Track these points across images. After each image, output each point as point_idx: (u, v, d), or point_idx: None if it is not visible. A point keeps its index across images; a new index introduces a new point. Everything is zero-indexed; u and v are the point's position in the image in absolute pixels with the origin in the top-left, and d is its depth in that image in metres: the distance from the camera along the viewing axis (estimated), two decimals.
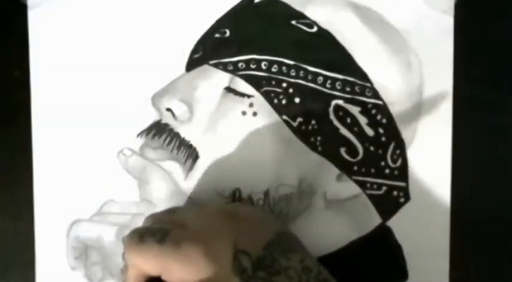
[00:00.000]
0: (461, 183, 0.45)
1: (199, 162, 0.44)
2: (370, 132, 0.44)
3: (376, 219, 0.45)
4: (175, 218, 0.37)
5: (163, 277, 0.34)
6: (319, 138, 0.44)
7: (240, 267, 0.34)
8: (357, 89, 0.44)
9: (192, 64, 0.45)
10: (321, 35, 0.44)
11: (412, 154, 0.45)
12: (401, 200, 0.45)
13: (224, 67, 0.44)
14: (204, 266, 0.33)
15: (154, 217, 0.39)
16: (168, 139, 0.44)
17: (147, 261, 0.34)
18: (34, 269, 0.45)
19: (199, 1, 0.46)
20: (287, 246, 0.36)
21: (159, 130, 0.44)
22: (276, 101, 0.43)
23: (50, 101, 0.46)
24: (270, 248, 0.35)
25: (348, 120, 0.44)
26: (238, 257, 0.34)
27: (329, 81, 0.44)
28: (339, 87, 0.44)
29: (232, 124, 0.43)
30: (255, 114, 0.43)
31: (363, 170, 0.44)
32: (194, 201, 0.44)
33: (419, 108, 0.45)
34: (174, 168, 0.44)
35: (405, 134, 0.45)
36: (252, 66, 0.44)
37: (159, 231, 0.34)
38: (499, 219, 0.45)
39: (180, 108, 0.44)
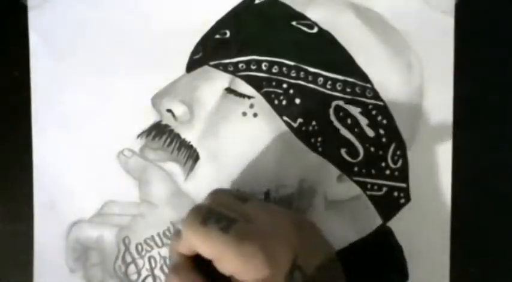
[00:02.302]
0: (462, 184, 0.45)
1: (199, 163, 0.43)
2: (370, 133, 0.44)
3: (376, 220, 0.45)
4: (244, 209, 0.36)
5: (215, 264, 0.34)
6: (319, 139, 0.44)
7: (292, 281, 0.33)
8: (357, 89, 0.44)
9: (193, 65, 0.45)
10: (322, 35, 0.44)
11: (412, 155, 0.45)
12: (402, 200, 0.45)
13: (224, 68, 0.44)
14: (259, 268, 0.33)
15: (224, 199, 0.38)
16: (169, 140, 0.44)
17: (205, 247, 0.34)
18: (33, 270, 0.45)
19: (199, 2, 0.45)
20: (336, 273, 0.36)
21: (159, 131, 0.44)
22: (276, 101, 0.43)
23: (50, 101, 0.46)
24: (322, 270, 0.35)
25: (349, 121, 0.44)
26: (293, 271, 0.34)
27: (329, 82, 0.44)
28: (339, 88, 0.44)
29: (233, 125, 0.43)
30: (255, 115, 0.43)
31: (364, 170, 0.44)
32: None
33: (419, 109, 0.45)
34: (175, 169, 0.44)
35: (406, 134, 0.45)
36: (253, 67, 0.44)
37: (225, 219, 0.34)
38: (499, 220, 0.45)
39: (180, 109, 0.44)
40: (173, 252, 0.38)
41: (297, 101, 0.43)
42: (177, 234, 0.37)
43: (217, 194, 0.39)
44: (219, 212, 0.35)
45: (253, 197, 0.42)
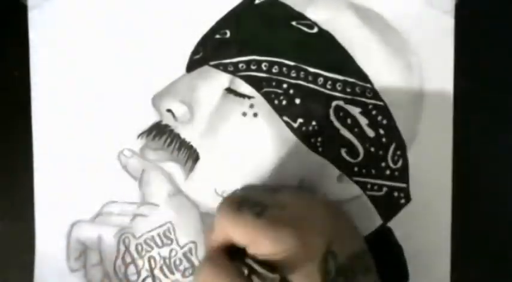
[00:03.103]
0: (462, 184, 0.45)
1: (199, 163, 0.43)
2: (370, 133, 0.44)
3: (376, 220, 0.45)
4: (276, 198, 0.37)
5: (249, 249, 0.34)
6: (319, 139, 0.44)
7: (326, 268, 0.34)
8: (357, 89, 0.44)
9: (193, 65, 0.45)
10: (322, 35, 0.44)
11: (412, 155, 0.45)
12: (402, 201, 0.45)
13: (224, 68, 0.44)
14: (293, 252, 0.33)
15: (256, 190, 0.39)
16: (169, 140, 0.44)
17: (239, 231, 0.34)
18: (33, 270, 0.45)
19: (199, 2, 0.45)
20: (367, 264, 0.37)
21: (159, 131, 0.44)
22: (276, 102, 0.43)
23: (50, 101, 0.46)
24: (355, 259, 0.35)
25: (349, 121, 0.44)
26: (327, 258, 0.34)
27: (329, 82, 0.44)
28: (339, 88, 0.44)
29: (233, 125, 0.43)
30: (255, 115, 0.43)
31: (364, 171, 0.44)
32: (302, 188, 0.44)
33: (419, 109, 0.45)
34: (175, 169, 0.44)
35: (406, 134, 0.45)
36: (253, 67, 0.44)
37: (259, 205, 0.35)
38: (499, 220, 0.45)
39: (180, 109, 0.44)
40: (207, 244, 0.38)
41: (297, 101, 0.43)
42: (210, 226, 0.38)
43: (248, 187, 0.40)
44: (253, 199, 0.36)
45: (284, 187, 0.43)
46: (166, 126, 0.44)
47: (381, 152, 0.44)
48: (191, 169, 0.44)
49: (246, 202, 0.35)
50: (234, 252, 0.36)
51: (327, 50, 0.44)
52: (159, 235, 0.43)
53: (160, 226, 0.43)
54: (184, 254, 0.43)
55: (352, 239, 0.37)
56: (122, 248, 0.44)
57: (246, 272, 0.34)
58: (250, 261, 0.34)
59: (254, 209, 0.35)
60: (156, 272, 0.44)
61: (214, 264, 0.35)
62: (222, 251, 0.36)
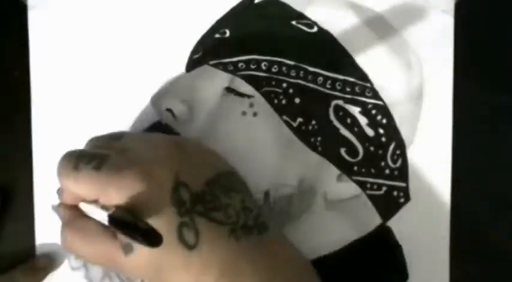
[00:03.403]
0: (462, 183, 0.45)
1: None
2: (370, 132, 0.44)
3: (376, 220, 0.45)
4: (121, 145, 0.37)
5: (101, 201, 0.34)
6: (319, 138, 0.44)
7: (179, 199, 0.34)
8: (357, 89, 0.44)
9: (192, 64, 0.45)
10: (321, 35, 0.44)
11: (412, 154, 0.45)
12: (402, 200, 0.45)
13: (224, 67, 0.44)
14: (142, 192, 0.33)
15: (98, 141, 0.39)
16: None
17: (82, 188, 0.35)
18: None
19: (199, 1, 0.46)
20: (230, 185, 0.37)
21: (159, 130, 0.44)
22: (276, 101, 0.43)
23: (50, 101, 0.46)
24: (212, 184, 0.36)
25: (348, 120, 0.44)
26: (178, 189, 0.34)
27: (329, 82, 0.44)
28: (339, 88, 0.44)
29: (233, 124, 0.43)
30: (255, 114, 0.43)
31: (363, 170, 0.44)
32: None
33: (419, 109, 0.45)
34: None
35: (405, 134, 0.45)
36: (252, 67, 0.44)
37: (96, 157, 0.35)
38: (499, 220, 0.45)
39: (180, 109, 0.44)
40: (59, 209, 0.38)
41: (297, 100, 0.43)
42: (59, 190, 0.38)
43: (91, 140, 0.40)
44: (90, 153, 0.36)
45: (128, 132, 0.44)
46: (166, 125, 0.44)
47: (380, 152, 0.44)
48: None
49: (82, 158, 0.35)
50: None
51: (326, 50, 0.44)
52: None
53: None
54: None
55: (207, 165, 0.37)
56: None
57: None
58: (88, 207, 0.35)
59: (92, 163, 0.34)
60: None
61: (75, 226, 0.36)
62: (77, 212, 0.37)
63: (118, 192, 0.33)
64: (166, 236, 0.32)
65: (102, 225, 0.34)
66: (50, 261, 0.45)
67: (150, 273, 0.34)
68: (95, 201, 0.35)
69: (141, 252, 0.33)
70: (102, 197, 0.34)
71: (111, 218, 0.32)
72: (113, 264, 0.35)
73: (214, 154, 0.40)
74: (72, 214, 0.37)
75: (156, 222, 0.33)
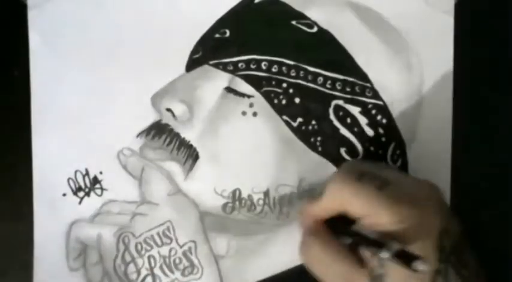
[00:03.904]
0: (461, 183, 0.45)
1: (199, 162, 0.43)
2: (370, 132, 0.44)
3: None
4: (385, 174, 0.36)
5: (364, 221, 0.34)
6: (319, 138, 0.44)
7: (441, 245, 0.34)
8: (357, 89, 0.44)
9: (192, 64, 0.45)
10: (321, 35, 0.44)
11: (412, 154, 0.45)
12: None
13: (224, 67, 0.44)
14: (412, 231, 0.33)
15: (365, 165, 0.38)
16: (168, 139, 0.44)
17: (360, 202, 0.34)
18: (32, 270, 0.45)
19: (199, 1, 0.46)
20: (468, 244, 0.36)
21: (159, 130, 0.44)
22: (276, 101, 0.43)
23: (50, 101, 0.46)
24: (462, 238, 0.36)
25: (348, 120, 0.44)
26: (443, 235, 0.34)
27: (329, 82, 0.44)
28: (339, 88, 0.44)
29: (233, 124, 0.43)
30: (255, 114, 0.43)
31: None
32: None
33: (419, 108, 0.45)
34: (174, 168, 0.44)
35: (405, 134, 0.45)
36: (252, 67, 0.44)
37: (379, 178, 0.35)
38: (499, 220, 0.45)
39: (180, 109, 0.44)
40: (307, 216, 0.38)
41: (297, 100, 0.43)
42: (312, 198, 0.38)
43: (355, 162, 0.40)
44: (373, 172, 0.35)
45: (388, 164, 0.43)
46: (166, 125, 0.44)
47: (380, 151, 0.44)
48: (191, 168, 0.44)
49: (366, 174, 0.35)
50: (335, 223, 0.35)
51: (326, 50, 0.44)
52: (158, 234, 0.43)
53: (159, 225, 0.43)
54: (184, 253, 0.43)
55: (455, 219, 0.37)
56: (122, 247, 0.44)
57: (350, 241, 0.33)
58: (359, 232, 0.34)
59: (375, 181, 0.34)
60: (156, 270, 0.44)
61: (325, 241, 0.35)
62: (324, 225, 0.36)
63: (391, 218, 0.33)
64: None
65: (348, 247, 0.34)
66: None
67: None
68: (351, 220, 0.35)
69: None
70: (369, 218, 0.34)
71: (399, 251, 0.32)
72: None
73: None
74: (321, 226, 0.37)
75: None
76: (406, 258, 0.31)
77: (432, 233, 0.34)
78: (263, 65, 0.44)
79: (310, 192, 0.43)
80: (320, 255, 0.35)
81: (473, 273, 0.35)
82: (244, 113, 0.43)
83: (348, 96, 0.44)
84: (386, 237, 0.33)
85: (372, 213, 0.34)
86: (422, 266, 0.30)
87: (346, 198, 0.35)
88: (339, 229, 0.36)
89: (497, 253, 0.45)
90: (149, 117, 0.45)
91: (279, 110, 0.43)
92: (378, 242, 0.33)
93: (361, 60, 0.44)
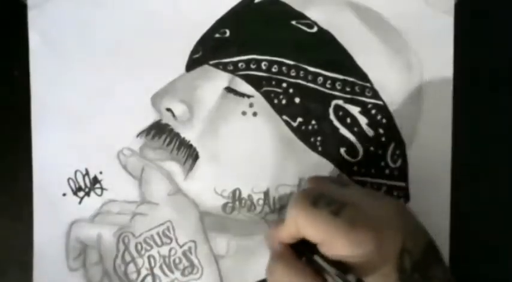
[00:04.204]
0: (461, 183, 0.45)
1: (199, 162, 0.44)
2: (370, 132, 0.44)
3: None
4: (346, 194, 0.35)
5: (321, 248, 0.33)
6: (319, 138, 0.44)
7: (402, 266, 0.33)
8: (356, 89, 0.44)
9: (192, 64, 0.45)
10: (321, 35, 0.44)
11: (412, 154, 0.45)
12: (401, 200, 0.45)
13: (224, 67, 0.44)
14: (370, 254, 0.32)
15: (324, 185, 0.38)
16: (168, 139, 0.44)
17: (315, 229, 0.33)
18: (32, 270, 0.45)
19: (199, 1, 0.46)
20: (437, 253, 0.36)
21: (159, 130, 0.44)
22: (276, 101, 0.43)
23: (50, 101, 0.46)
24: (427, 252, 0.35)
25: (348, 120, 0.44)
26: (403, 254, 0.33)
27: (329, 81, 0.44)
28: (339, 87, 0.44)
29: (232, 124, 0.43)
30: (255, 114, 0.43)
31: (363, 170, 0.44)
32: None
33: (419, 108, 0.45)
34: (174, 168, 0.44)
35: (405, 134, 0.45)
36: (252, 66, 0.44)
37: (335, 203, 0.34)
38: (498, 220, 0.45)
39: (180, 109, 0.44)
40: (273, 241, 0.37)
41: (297, 100, 0.44)
42: (277, 222, 0.37)
43: (317, 180, 0.39)
44: (329, 196, 0.35)
45: (351, 182, 0.43)
46: (166, 125, 0.44)
47: (380, 151, 0.44)
48: (190, 168, 0.44)
49: (322, 198, 0.34)
50: (300, 247, 0.35)
51: (326, 49, 0.44)
52: (158, 234, 0.43)
53: (159, 225, 0.43)
54: (184, 253, 0.43)
55: (421, 232, 0.36)
56: (122, 247, 0.44)
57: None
58: (320, 260, 0.34)
59: (330, 206, 0.33)
60: (156, 270, 0.44)
61: (288, 264, 0.35)
62: (290, 250, 0.36)
63: (348, 245, 0.32)
64: None
65: (312, 269, 0.34)
66: None
67: None
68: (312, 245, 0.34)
69: None
70: (326, 245, 0.33)
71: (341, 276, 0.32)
72: None
73: (419, 220, 0.38)
74: (286, 249, 0.36)
75: None
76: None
77: (391, 254, 0.33)
78: (263, 65, 0.44)
79: (280, 215, 0.43)
80: (284, 279, 0.35)
81: None
82: (244, 113, 0.43)
83: (348, 96, 0.44)
84: (344, 265, 0.33)
85: (327, 240, 0.33)
86: None
87: (301, 226, 0.34)
88: (303, 254, 0.35)
89: (497, 253, 0.45)
90: (149, 117, 0.45)
91: (279, 110, 0.43)
92: (336, 272, 0.33)
93: (361, 60, 0.44)
